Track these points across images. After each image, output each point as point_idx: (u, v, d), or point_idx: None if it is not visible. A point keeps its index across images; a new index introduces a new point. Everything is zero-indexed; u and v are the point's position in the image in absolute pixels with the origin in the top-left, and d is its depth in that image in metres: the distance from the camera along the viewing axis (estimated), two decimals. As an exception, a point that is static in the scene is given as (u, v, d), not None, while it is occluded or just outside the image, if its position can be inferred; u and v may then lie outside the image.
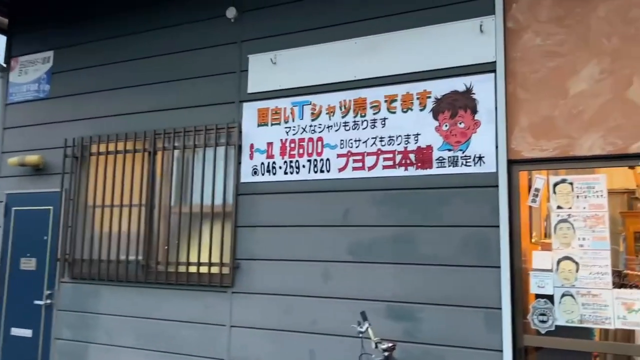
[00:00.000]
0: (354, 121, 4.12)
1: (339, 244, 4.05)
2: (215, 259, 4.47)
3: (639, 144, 3.32)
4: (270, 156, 4.38)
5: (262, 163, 4.40)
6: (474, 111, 3.74)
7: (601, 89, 3.46)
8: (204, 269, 4.50)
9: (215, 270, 4.46)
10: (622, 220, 5.95)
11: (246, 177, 4.46)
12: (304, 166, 4.24)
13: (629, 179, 5.99)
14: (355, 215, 4.03)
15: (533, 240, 3.78)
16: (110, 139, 5.04)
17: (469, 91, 3.77)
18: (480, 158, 3.69)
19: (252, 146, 4.47)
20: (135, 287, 4.80)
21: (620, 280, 3.93)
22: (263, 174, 4.39)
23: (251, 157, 4.46)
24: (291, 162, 4.29)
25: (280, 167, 4.33)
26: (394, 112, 3.99)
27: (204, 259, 4.51)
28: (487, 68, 3.73)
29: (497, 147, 3.65)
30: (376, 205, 3.98)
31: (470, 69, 3.78)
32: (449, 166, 3.77)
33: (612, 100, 3.42)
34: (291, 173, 4.28)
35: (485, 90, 3.72)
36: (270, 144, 4.40)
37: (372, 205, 3.99)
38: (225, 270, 4.43)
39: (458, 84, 3.81)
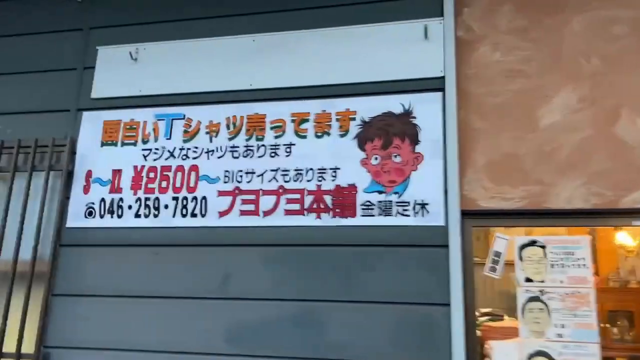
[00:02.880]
0: (247, 146, 2.88)
1: (212, 327, 2.67)
2: (11, 346, 2.82)
3: (632, 196, 2.48)
4: (116, 190, 2.95)
5: (103, 199, 2.95)
6: (415, 141, 2.71)
7: (580, 121, 2.61)
8: (-11, 363, 2.83)
9: (8, 365, 2.81)
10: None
11: (76, 219, 2.96)
12: (166, 206, 2.87)
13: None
14: (240, 283, 2.71)
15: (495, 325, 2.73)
16: None
17: (407, 114, 2.75)
18: (422, 206, 2.62)
19: (89, 174, 3.01)
20: None
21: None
22: (103, 216, 2.93)
23: (86, 191, 2.98)
24: (148, 199, 2.90)
25: (130, 207, 2.91)
26: (304, 137, 2.83)
27: (-7, 346, 2.84)
28: (433, 85, 2.75)
29: (446, 191, 2.61)
30: (271, 269, 2.70)
31: (409, 84, 2.78)
32: (380, 215, 2.64)
33: (595, 137, 2.59)
34: (147, 216, 2.88)
35: (429, 114, 2.72)
36: (117, 172, 2.98)
37: (265, 269, 2.71)
38: (26, 365, 2.80)
39: (393, 103, 2.77)
